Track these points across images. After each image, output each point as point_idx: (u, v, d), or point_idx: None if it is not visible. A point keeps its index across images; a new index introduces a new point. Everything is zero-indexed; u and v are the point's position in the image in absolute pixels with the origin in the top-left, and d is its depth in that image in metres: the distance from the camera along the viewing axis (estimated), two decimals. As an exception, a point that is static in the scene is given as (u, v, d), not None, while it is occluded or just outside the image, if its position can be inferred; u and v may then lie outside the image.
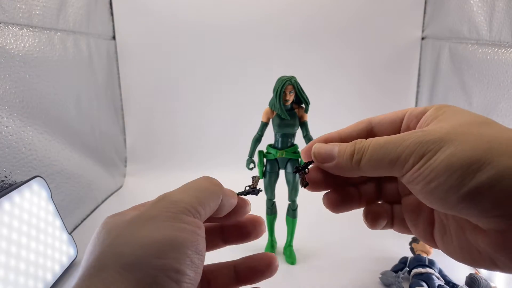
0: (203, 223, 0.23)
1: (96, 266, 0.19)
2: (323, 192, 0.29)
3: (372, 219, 0.27)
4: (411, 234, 0.27)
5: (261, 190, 0.30)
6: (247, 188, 0.29)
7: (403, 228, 0.27)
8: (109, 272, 0.19)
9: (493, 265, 0.21)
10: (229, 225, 0.28)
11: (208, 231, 0.27)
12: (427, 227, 0.25)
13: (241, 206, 0.27)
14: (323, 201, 0.28)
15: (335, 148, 0.25)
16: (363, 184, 0.29)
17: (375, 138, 0.24)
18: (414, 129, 0.25)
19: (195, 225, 0.21)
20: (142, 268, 0.19)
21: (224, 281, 0.27)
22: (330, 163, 0.25)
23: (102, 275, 0.19)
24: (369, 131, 0.28)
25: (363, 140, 0.24)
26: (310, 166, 0.28)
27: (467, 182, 0.19)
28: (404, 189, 0.27)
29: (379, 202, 0.29)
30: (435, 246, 0.25)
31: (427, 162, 0.21)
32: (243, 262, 0.28)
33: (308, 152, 0.27)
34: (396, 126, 0.27)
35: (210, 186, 0.24)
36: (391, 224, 0.28)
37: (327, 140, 0.28)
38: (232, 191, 0.26)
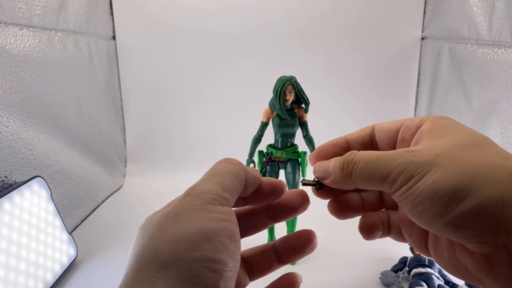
0: (238, 207, 0.23)
1: (135, 267, 0.20)
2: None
3: (367, 231, 0.28)
4: (407, 242, 0.27)
5: (276, 159, 0.31)
6: (264, 160, 0.30)
7: (400, 236, 0.28)
8: (147, 271, 0.19)
9: (480, 284, 0.21)
10: (274, 204, 0.28)
11: (254, 214, 0.28)
12: (421, 237, 0.26)
13: (278, 187, 0.27)
14: (328, 208, 0.29)
15: (331, 164, 0.26)
16: (365, 192, 0.29)
17: (367, 152, 0.24)
18: (409, 141, 0.26)
19: (224, 213, 0.21)
20: (178, 263, 0.19)
21: (266, 263, 0.28)
22: (328, 179, 0.26)
23: (141, 275, 0.19)
24: (372, 138, 0.28)
25: (354, 152, 0.24)
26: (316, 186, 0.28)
27: (451, 210, 0.20)
28: None
29: (382, 210, 0.29)
30: (429, 255, 0.26)
31: (415, 185, 0.21)
32: (283, 241, 0.28)
33: (315, 157, 0.28)
34: (392, 136, 0.27)
35: (230, 168, 0.24)
36: (388, 232, 0.28)
37: (334, 145, 0.28)
38: (253, 168, 0.27)
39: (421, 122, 0.25)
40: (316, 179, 0.28)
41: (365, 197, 0.29)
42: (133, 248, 0.21)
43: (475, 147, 0.22)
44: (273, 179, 0.27)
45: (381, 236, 0.28)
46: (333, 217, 0.29)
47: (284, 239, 0.28)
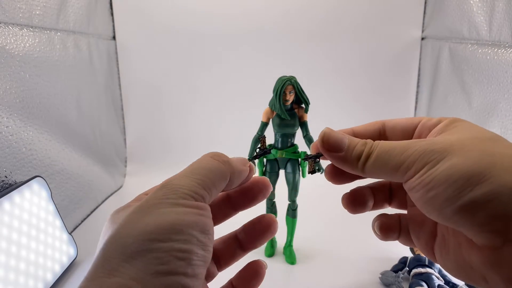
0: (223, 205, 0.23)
1: (102, 257, 0.19)
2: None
3: (386, 231, 0.28)
4: (415, 246, 0.27)
5: (272, 147, 0.31)
6: (258, 151, 0.29)
7: (408, 240, 0.28)
8: (115, 261, 0.19)
9: (484, 282, 0.21)
10: (235, 192, 0.28)
11: (215, 203, 0.27)
12: (429, 240, 0.26)
13: (264, 184, 0.27)
14: (342, 202, 0.28)
15: (345, 139, 0.25)
16: (377, 188, 0.29)
17: (382, 141, 0.24)
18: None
19: (197, 207, 0.21)
20: (147, 253, 0.19)
21: (230, 252, 0.28)
22: (337, 153, 0.25)
23: (108, 265, 0.19)
24: (382, 134, 0.28)
25: (371, 141, 0.24)
26: (318, 160, 0.28)
27: (464, 195, 0.20)
28: (410, 199, 0.28)
29: (391, 214, 0.29)
30: (434, 259, 0.26)
31: (429, 170, 0.21)
32: (244, 228, 0.28)
33: (317, 147, 0.27)
34: (408, 135, 0.27)
35: (215, 165, 0.23)
36: (397, 235, 0.28)
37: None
38: (243, 160, 0.26)
39: (439, 122, 0.25)
40: (317, 154, 0.27)
41: (376, 193, 0.29)
42: (100, 241, 0.21)
43: (491, 141, 0.22)
44: (257, 178, 0.27)
45: (392, 239, 0.28)
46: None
47: (244, 226, 0.28)
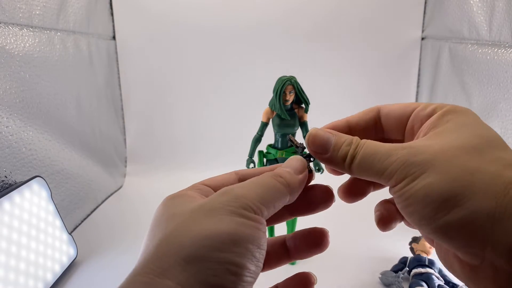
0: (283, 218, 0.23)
1: (154, 254, 0.19)
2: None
3: (385, 224, 0.27)
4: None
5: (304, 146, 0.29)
6: (300, 150, 0.28)
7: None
8: (168, 261, 0.18)
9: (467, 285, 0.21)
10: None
11: None
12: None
13: (329, 196, 0.26)
14: (338, 193, 0.28)
15: (331, 139, 0.24)
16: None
17: (367, 142, 0.23)
18: (416, 132, 0.25)
19: (257, 221, 0.21)
20: (202, 260, 0.18)
21: (276, 257, 0.27)
22: (323, 155, 0.25)
23: (160, 264, 0.18)
24: (377, 121, 0.27)
25: (357, 140, 0.24)
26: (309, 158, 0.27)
27: (440, 217, 0.19)
28: None
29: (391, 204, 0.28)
30: (433, 244, 0.25)
31: (408, 185, 0.21)
32: (294, 237, 0.27)
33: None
34: (402, 125, 0.26)
35: (277, 186, 0.23)
36: (399, 222, 0.27)
37: (333, 127, 0.27)
38: (302, 163, 0.25)
39: (432, 112, 0.24)
40: (305, 150, 0.26)
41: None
42: (153, 232, 0.21)
43: (477, 150, 0.20)
44: (321, 185, 0.26)
45: (393, 227, 0.27)
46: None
47: (295, 234, 0.27)
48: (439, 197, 0.19)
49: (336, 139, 0.24)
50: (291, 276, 0.27)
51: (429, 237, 0.21)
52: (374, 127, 0.27)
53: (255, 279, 0.20)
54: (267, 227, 0.22)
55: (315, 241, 0.27)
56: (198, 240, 0.19)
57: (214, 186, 0.25)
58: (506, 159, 0.20)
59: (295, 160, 0.25)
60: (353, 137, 0.24)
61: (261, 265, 0.21)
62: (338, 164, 0.24)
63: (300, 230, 0.27)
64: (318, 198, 0.26)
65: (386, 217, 0.27)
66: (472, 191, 0.19)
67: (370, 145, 0.23)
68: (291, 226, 0.67)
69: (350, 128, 0.27)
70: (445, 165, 0.20)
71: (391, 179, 0.21)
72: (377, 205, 0.28)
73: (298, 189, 0.24)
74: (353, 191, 0.27)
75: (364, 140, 0.23)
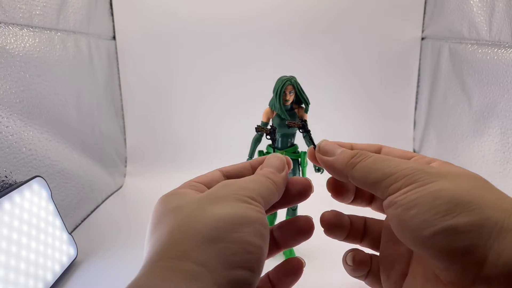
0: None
1: (170, 241, 0.19)
2: (321, 193, 0.29)
3: (358, 264, 0.29)
4: None
5: (272, 128, 0.32)
6: (268, 137, 0.31)
7: (375, 282, 0.28)
8: (185, 245, 0.19)
9: None
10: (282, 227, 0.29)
11: None
12: (398, 279, 0.26)
13: (306, 188, 0.27)
14: (326, 185, 0.29)
15: (339, 148, 0.26)
16: (353, 221, 0.30)
17: (378, 154, 0.25)
18: None
19: (260, 207, 0.22)
20: (219, 241, 0.19)
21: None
22: (329, 157, 0.26)
23: (178, 248, 0.19)
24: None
25: (366, 151, 0.25)
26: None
27: (447, 219, 0.19)
28: (387, 235, 0.28)
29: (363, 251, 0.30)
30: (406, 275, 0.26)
31: (416, 188, 0.21)
32: (280, 226, 0.29)
33: (312, 152, 0.29)
34: None
35: (269, 185, 0.25)
36: (366, 274, 0.29)
37: (338, 144, 0.28)
38: (281, 162, 0.27)
39: (431, 161, 0.25)
40: (313, 146, 0.29)
41: (352, 225, 0.29)
42: (155, 225, 0.21)
43: (482, 181, 0.22)
44: (298, 178, 0.27)
45: (360, 277, 0.29)
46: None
47: (281, 224, 0.29)
48: (450, 200, 0.19)
49: (345, 149, 0.26)
50: (281, 263, 0.28)
51: (424, 246, 0.20)
52: None
53: (265, 256, 0.21)
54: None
55: (300, 228, 0.28)
56: (213, 222, 0.20)
57: (205, 183, 0.26)
58: (503, 193, 0.21)
59: (275, 159, 0.27)
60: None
61: (267, 243, 0.22)
62: (341, 163, 0.25)
63: (285, 220, 0.29)
64: (295, 191, 0.28)
65: (360, 258, 0.29)
66: (483, 202, 0.19)
67: (380, 155, 0.24)
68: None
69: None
70: (457, 179, 0.21)
71: (396, 183, 0.22)
72: (348, 250, 0.30)
73: (283, 187, 0.26)
74: (339, 185, 0.29)
75: (374, 153, 0.25)
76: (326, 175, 0.29)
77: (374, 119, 1.09)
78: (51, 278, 0.57)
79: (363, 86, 1.08)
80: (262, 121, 0.62)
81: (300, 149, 0.62)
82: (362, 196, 0.29)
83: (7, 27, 0.60)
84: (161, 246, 0.19)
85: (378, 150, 0.28)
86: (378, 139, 1.08)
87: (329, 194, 0.30)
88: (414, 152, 1.09)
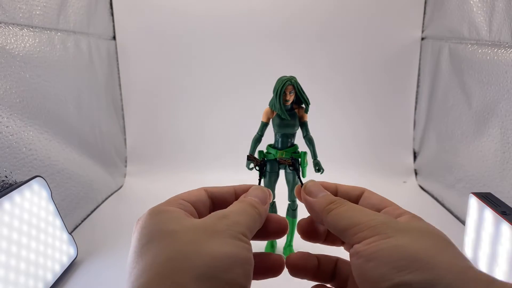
0: None
1: (166, 268, 0.20)
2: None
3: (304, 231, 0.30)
4: None
5: (264, 157, 0.34)
6: (257, 168, 0.33)
7: None
8: (181, 277, 0.19)
9: None
10: None
11: None
12: None
13: (283, 228, 0.29)
14: (296, 228, 0.31)
15: (323, 192, 0.28)
16: (323, 261, 0.31)
17: (355, 204, 0.26)
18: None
19: (249, 245, 0.23)
20: (213, 280, 0.20)
21: None
22: (312, 198, 0.28)
23: (172, 279, 0.19)
24: (358, 200, 0.30)
25: (346, 201, 0.26)
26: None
27: (403, 274, 0.20)
28: (354, 281, 0.28)
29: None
30: None
31: (378, 241, 0.22)
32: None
33: (299, 189, 0.30)
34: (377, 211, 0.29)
35: (255, 216, 0.26)
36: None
37: (323, 185, 0.30)
38: (265, 194, 0.28)
39: (401, 214, 0.26)
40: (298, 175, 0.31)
41: (321, 264, 0.30)
42: (147, 246, 0.21)
43: (442, 239, 0.23)
44: (277, 217, 0.29)
45: None
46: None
47: (254, 255, 0.30)
48: (408, 256, 0.20)
49: (328, 194, 0.28)
50: (264, 253, 0.29)
51: None
52: (355, 202, 0.30)
53: None
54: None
55: (271, 266, 0.29)
56: (210, 261, 0.20)
57: (192, 202, 0.27)
58: (461, 253, 0.22)
59: (260, 191, 0.29)
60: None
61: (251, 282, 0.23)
62: (320, 206, 0.27)
63: (259, 253, 0.29)
64: (271, 229, 0.29)
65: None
66: (438, 261, 0.20)
67: (354, 206, 0.26)
68: (291, 225, 0.67)
69: (336, 193, 0.30)
70: (418, 235, 0.22)
71: (361, 232, 0.23)
72: (312, 286, 0.30)
73: (264, 219, 0.27)
74: (310, 227, 0.31)
75: (351, 203, 0.27)
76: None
77: (374, 119, 1.09)
78: (51, 278, 0.58)
79: (363, 86, 1.08)
80: (262, 121, 0.62)
81: (300, 149, 0.62)
82: (336, 238, 0.30)
83: (7, 27, 0.60)
84: (155, 274, 0.20)
85: (360, 194, 0.29)
86: (378, 139, 1.09)
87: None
88: (414, 153, 1.09)
